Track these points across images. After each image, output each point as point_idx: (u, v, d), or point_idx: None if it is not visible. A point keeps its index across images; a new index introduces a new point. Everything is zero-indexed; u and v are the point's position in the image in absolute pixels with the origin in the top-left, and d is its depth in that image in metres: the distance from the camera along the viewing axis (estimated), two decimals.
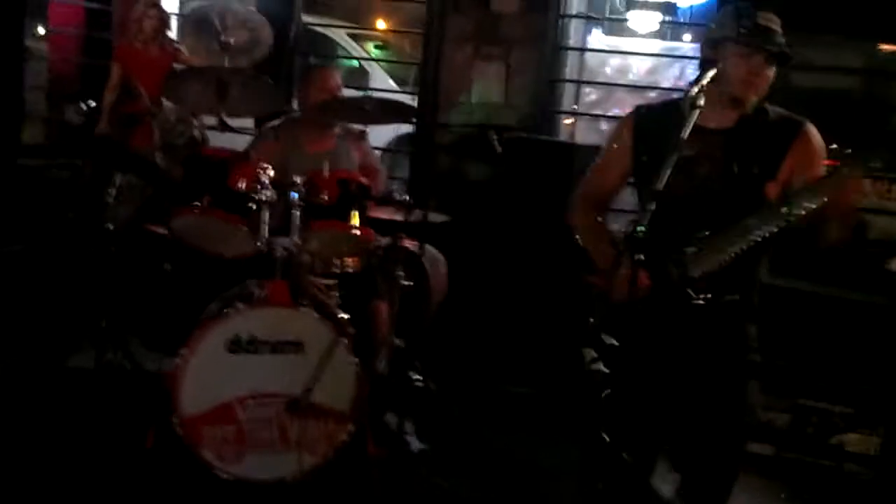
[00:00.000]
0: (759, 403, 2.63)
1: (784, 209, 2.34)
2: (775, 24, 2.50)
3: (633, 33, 7.54)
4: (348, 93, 4.36)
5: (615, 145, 2.77)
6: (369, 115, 3.88)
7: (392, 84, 8.74)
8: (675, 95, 2.81)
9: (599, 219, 2.81)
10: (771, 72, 2.50)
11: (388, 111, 4.00)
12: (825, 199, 2.30)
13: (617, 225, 2.87)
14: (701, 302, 2.46)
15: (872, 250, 4.55)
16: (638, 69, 6.20)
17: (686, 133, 2.30)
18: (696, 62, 2.62)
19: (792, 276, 4.28)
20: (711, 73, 2.40)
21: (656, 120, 2.64)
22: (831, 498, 3.91)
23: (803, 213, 2.32)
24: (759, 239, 2.39)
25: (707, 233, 2.45)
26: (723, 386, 2.55)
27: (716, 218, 2.44)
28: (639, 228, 2.24)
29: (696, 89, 2.34)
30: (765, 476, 3.99)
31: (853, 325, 4.15)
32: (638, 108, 2.78)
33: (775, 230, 2.38)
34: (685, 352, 2.52)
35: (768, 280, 4.04)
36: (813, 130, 2.55)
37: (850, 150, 2.31)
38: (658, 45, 7.15)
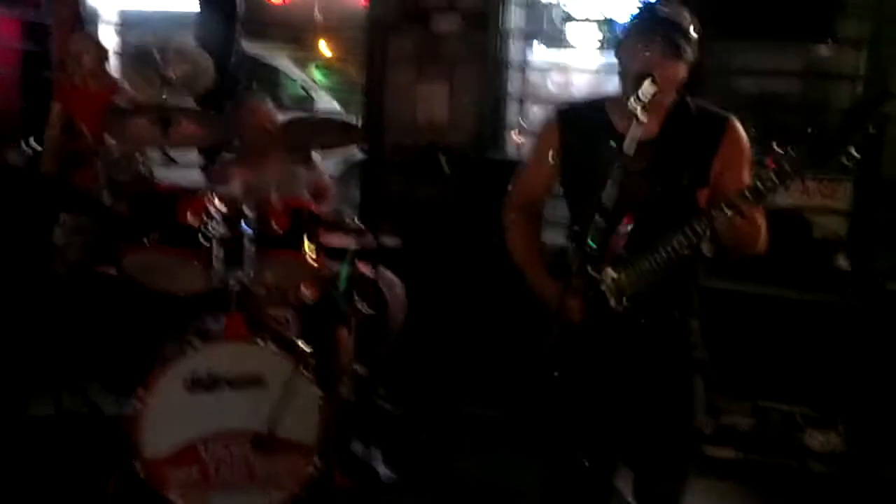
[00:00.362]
0: (703, 400, 2.60)
1: (709, 223, 2.31)
2: (681, 17, 2.41)
3: (574, 47, 7.61)
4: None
5: (540, 148, 2.70)
6: (305, 142, 3.88)
7: (338, 107, 8.73)
8: (597, 94, 2.78)
9: (532, 231, 2.75)
10: (675, 67, 2.40)
11: (331, 129, 4.00)
12: (744, 216, 2.26)
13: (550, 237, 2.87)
14: (642, 321, 2.46)
15: (819, 249, 4.64)
16: (579, 83, 6.26)
17: (632, 149, 2.29)
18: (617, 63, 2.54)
19: (742, 279, 4.35)
20: (649, 85, 2.31)
21: (580, 120, 2.61)
22: (798, 497, 3.96)
23: (723, 228, 2.28)
24: (688, 252, 2.37)
25: (632, 254, 2.42)
26: (668, 382, 2.54)
27: (646, 231, 2.42)
28: (590, 243, 2.26)
29: (635, 103, 2.30)
30: (729, 479, 4.03)
31: (807, 324, 4.22)
32: (560, 109, 2.70)
33: (698, 243, 2.38)
34: (631, 358, 2.52)
35: (721, 285, 4.14)
36: (737, 125, 2.51)
37: (782, 155, 2.22)
38: (599, 59, 7.23)
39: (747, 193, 2.25)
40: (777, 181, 2.22)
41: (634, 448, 2.61)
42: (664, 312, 2.51)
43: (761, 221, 2.39)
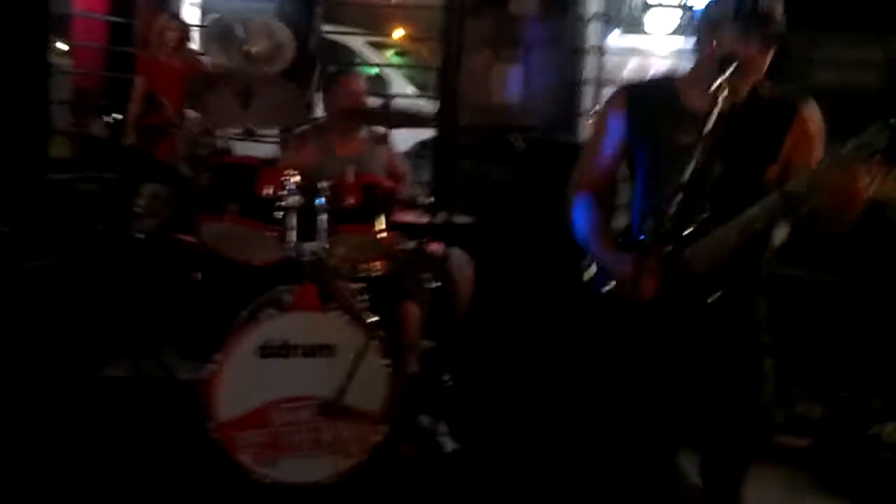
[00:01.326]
0: (772, 384, 2.57)
1: (785, 197, 2.30)
2: (776, 10, 2.41)
3: (652, 33, 7.54)
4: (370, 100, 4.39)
5: (606, 127, 2.67)
6: (392, 120, 3.92)
7: (412, 90, 8.77)
8: (665, 74, 2.76)
9: (599, 210, 2.69)
10: (767, 58, 2.42)
11: (406, 119, 4.04)
12: (826, 186, 2.25)
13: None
14: (710, 300, 2.43)
15: None
16: (657, 68, 6.19)
17: (709, 127, 2.29)
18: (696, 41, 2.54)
19: (820, 268, 4.28)
20: (734, 66, 2.32)
21: (647, 99, 2.59)
22: (868, 488, 3.89)
23: (804, 200, 2.27)
24: (760, 229, 2.37)
25: (707, 226, 2.40)
26: (735, 363, 2.52)
27: (715, 208, 2.40)
28: (667, 221, 2.26)
29: (719, 82, 2.30)
30: (800, 468, 3.98)
31: (884, 316, 4.14)
32: (627, 87, 2.69)
33: (777, 219, 2.37)
34: (698, 341, 2.50)
35: (798, 273, 4.07)
36: (810, 109, 2.49)
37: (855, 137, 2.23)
38: (676, 44, 7.15)
39: (843, 152, 2.24)
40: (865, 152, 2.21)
41: (701, 429, 2.60)
42: (733, 293, 2.48)
43: (863, 188, 2.33)
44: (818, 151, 2.44)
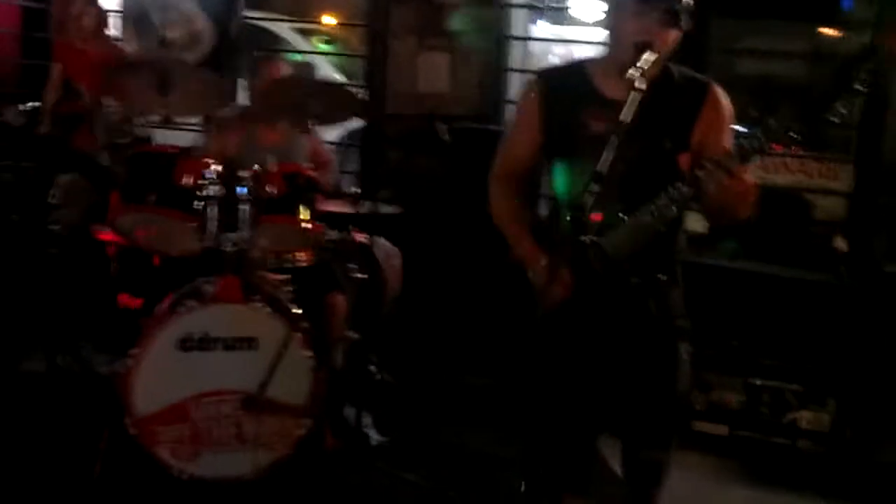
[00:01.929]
0: (688, 369, 2.58)
1: (693, 184, 2.30)
2: None
3: (577, 22, 7.58)
4: None
5: (523, 115, 2.66)
6: (316, 106, 3.85)
7: (339, 78, 8.68)
8: (576, 57, 2.74)
9: (517, 200, 2.69)
10: (672, 36, 2.37)
11: (334, 99, 3.97)
12: (731, 175, 2.24)
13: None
14: (628, 284, 2.43)
15: (818, 230, 4.64)
16: (582, 57, 6.21)
17: (629, 117, 2.28)
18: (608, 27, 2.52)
19: (739, 256, 4.36)
20: (649, 55, 2.29)
21: (561, 86, 2.58)
22: (786, 475, 3.98)
23: (712, 188, 2.27)
24: (675, 215, 2.37)
25: (621, 215, 2.40)
26: (651, 348, 2.53)
27: (630, 195, 2.39)
28: (584, 210, 2.25)
29: (634, 72, 2.29)
30: (719, 455, 4.05)
31: (802, 303, 4.23)
32: (541, 73, 2.67)
33: (685, 206, 2.38)
34: (615, 327, 2.50)
35: (717, 261, 4.13)
36: (720, 92, 2.50)
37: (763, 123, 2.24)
38: (602, 34, 7.20)
39: (734, 151, 2.26)
40: (763, 138, 2.23)
41: (619, 415, 2.61)
42: (648, 278, 2.48)
43: (751, 182, 2.36)
44: (728, 134, 2.45)
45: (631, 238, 2.41)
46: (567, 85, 2.57)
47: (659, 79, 2.45)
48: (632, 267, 2.43)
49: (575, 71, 2.60)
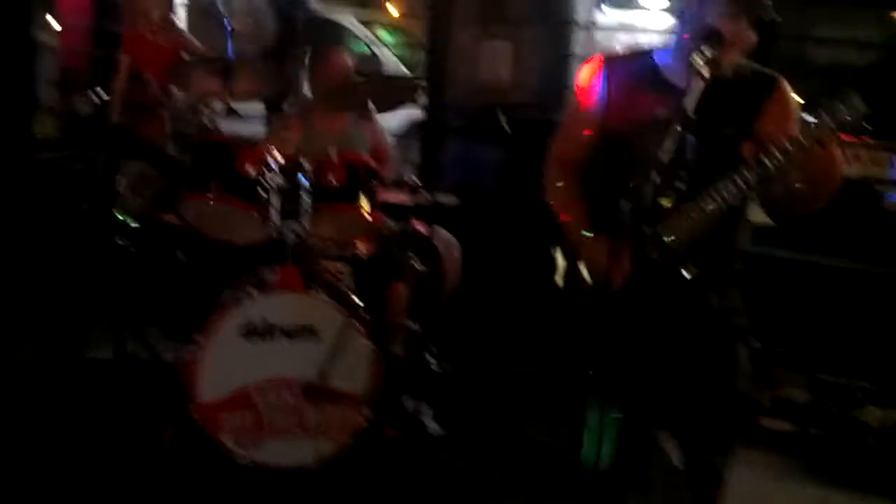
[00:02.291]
0: (748, 368, 2.55)
1: (758, 170, 2.28)
2: None
3: (642, 8, 7.48)
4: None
5: (584, 98, 2.63)
6: (379, 95, 3.86)
7: (403, 69, 8.72)
8: (644, 47, 2.70)
9: (574, 185, 2.66)
10: (749, 31, 2.39)
11: (395, 88, 3.97)
12: (800, 159, 2.23)
13: None
14: (688, 276, 2.40)
15: (888, 221, 4.50)
16: (648, 44, 6.12)
17: (692, 105, 2.25)
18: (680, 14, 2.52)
19: (806, 249, 4.25)
20: (718, 43, 2.29)
21: (624, 71, 2.56)
22: (854, 473, 3.88)
23: (777, 173, 2.25)
24: (735, 203, 2.34)
25: (678, 200, 2.35)
26: (709, 347, 2.50)
27: (690, 183, 2.36)
28: (647, 199, 2.21)
29: (700, 59, 2.27)
30: (785, 452, 3.97)
31: (871, 297, 4.12)
32: (605, 59, 2.64)
33: (750, 192, 2.33)
34: (673, 323, 2.47)
35: (784, 254, 4.03)
36: (787, 86, 2.48)
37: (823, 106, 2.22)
38: (668, 21, 7.10)
39: (805, 130, 2.24)
40: (836, 122, 2.19)
41: (678, 415, 2.58)
42: (708, 271, 2.44)
43: (838, 157, 2.30)
44: (794, 129, 2.40)
45: (690, 227, 2.37)
46: (630, 71, 2.55)
47: (726, 71, 2.41)
48: (690, 258, 2.39)
49: (640, 57, 2.57)
